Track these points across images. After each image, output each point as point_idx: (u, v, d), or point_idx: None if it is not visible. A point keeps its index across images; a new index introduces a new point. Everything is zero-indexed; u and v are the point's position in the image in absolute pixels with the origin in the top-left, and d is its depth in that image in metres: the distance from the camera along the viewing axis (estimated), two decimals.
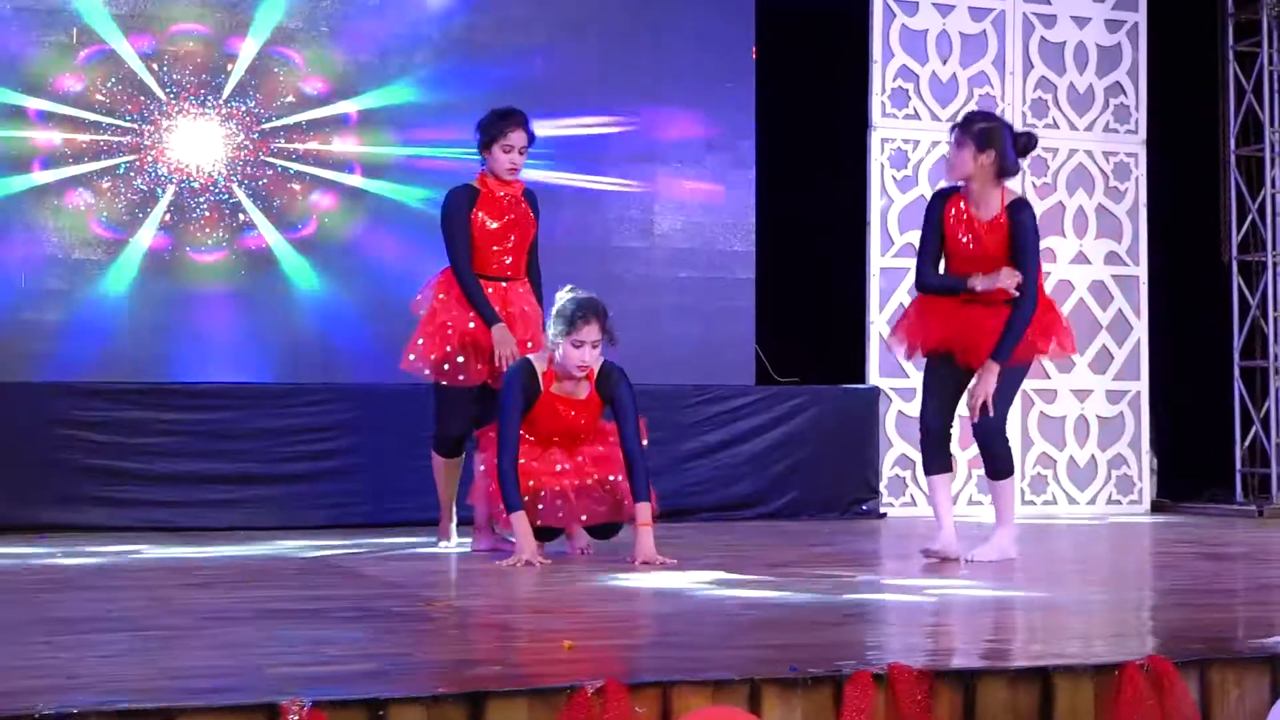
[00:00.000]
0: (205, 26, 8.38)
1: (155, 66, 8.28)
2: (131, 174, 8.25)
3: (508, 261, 6.78)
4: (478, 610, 4.73)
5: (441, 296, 6.77)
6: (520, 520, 6.11)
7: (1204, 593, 5.35)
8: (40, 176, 8.11)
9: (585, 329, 6.19)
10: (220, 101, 8.38)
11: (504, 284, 6.78)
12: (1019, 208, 6.37)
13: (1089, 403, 9.57)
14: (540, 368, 6.30)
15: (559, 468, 6.32)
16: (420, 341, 6.75)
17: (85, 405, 7.76)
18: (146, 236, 8.28)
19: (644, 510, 6.14)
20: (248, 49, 8.42)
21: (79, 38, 8.17)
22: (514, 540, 6.14)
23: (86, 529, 7.57)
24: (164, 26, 8.30)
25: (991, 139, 6.28)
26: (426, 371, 6.76)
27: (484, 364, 6.69)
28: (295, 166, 8.50)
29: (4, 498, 7.52)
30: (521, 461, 6.21)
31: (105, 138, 8.20)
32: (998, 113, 9.31)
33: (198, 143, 8.35)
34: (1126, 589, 5.68)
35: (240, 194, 8.42)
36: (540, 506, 6.24)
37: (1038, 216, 9.13)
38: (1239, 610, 4.85)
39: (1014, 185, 9.02)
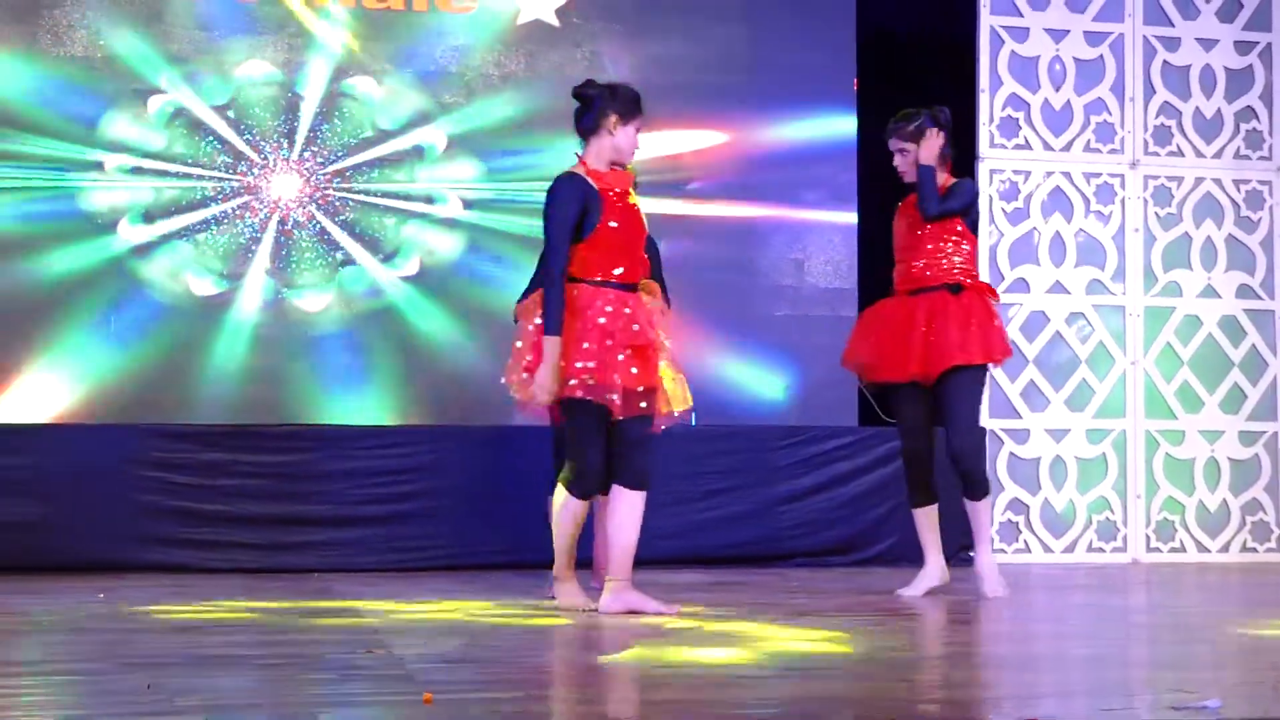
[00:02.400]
0: (275, 68, 8.42)
1: (231, 114, 8.35)
2: (223, 221, 8.33)
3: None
4: (410, 660, 4.57)
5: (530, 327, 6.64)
6: (553, 346, 5.68)
7: (1189, 647, 4.96)
8: (128, 229, 8.22)
9: (640, 119, 5.93)
10: (299, 143, 8.42)
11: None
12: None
13: (1220, 445, 9.05)
14: (582, 173, 5.88)
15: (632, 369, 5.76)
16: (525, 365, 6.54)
17: (170, 448, 7.83)
18: (239, 280, 8.36)
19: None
20: (320, 86, 8.45)
21: (155, 90, 8.28)
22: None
23: (170, 569, 7.62)
24: (233, 72, 8.37)
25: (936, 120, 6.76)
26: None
27: None
28: (383, 201, 8.49)
29: (93, 537, 7.64)
30: (610, 340, 5.72)
31: (191, 185, 8.28)
32: (1117, 138, 8.95)
33: (283, 185, 8.39)
34: (1107, 643, 5.28)
35: (334, 231, 8.43)
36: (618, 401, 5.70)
37: (1161, 248, 8.83)
38: (1209, 671, 4.46)
39: (1134, 210, 8.62)
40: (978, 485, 6.76)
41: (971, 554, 8.48)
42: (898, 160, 6.81)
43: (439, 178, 8.59)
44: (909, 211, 6.83)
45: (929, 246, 6.65)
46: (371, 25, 8.54)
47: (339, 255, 8.46)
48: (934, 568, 6.90)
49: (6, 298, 8.13)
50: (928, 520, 6.91)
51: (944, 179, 6.75)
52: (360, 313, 8.50)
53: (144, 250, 8.26)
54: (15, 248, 8.12)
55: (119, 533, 7.68)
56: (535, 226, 8.44)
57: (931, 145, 6.66)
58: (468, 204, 8.60)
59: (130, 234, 8.24)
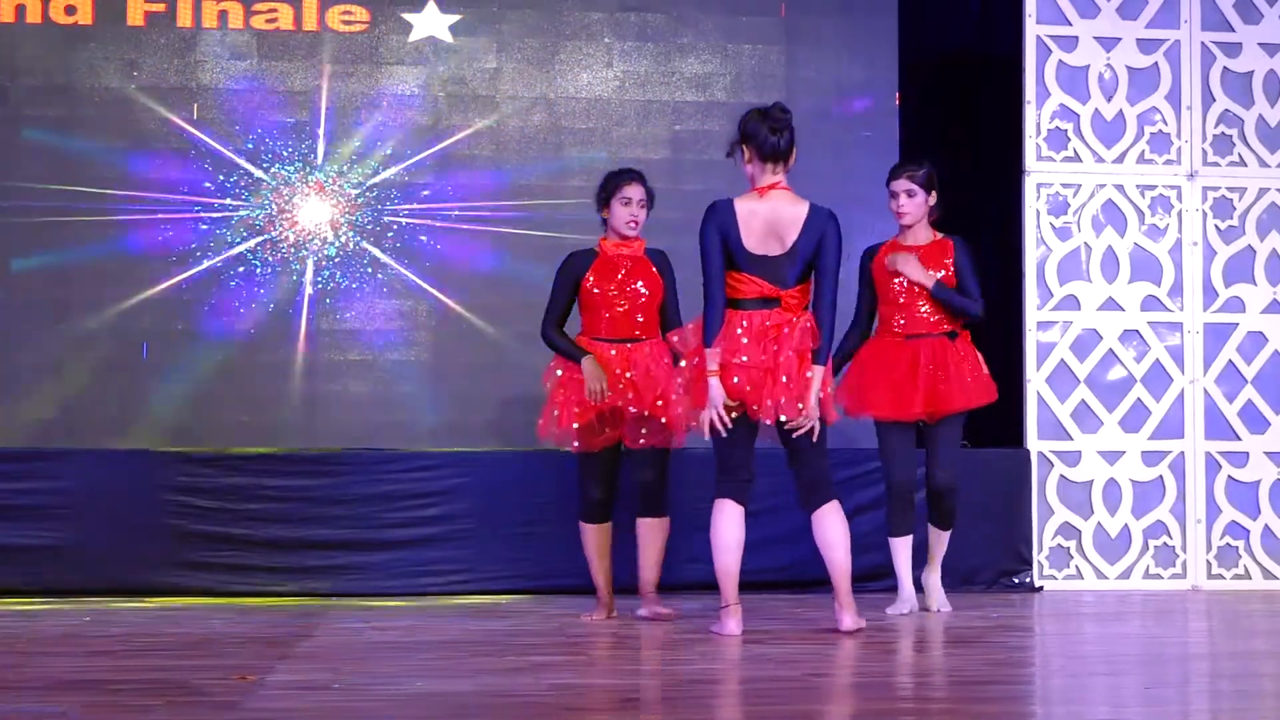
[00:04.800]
0: (284, 95, 8.51)
1: (248, 145, 8.46)
2: (263, 252, 8.45)
3: (638, 320, 6.74)
4: (267, 687, 4.56)
5: (559, 373, 6.76)
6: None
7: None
8: (172, 265, 8.39)
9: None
10: (318, 165, 8.50)
11: (628, 345, 6.72)
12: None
13: None
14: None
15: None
16: (556, 412, 6.74)
17: (194, 472, 7.95)
18: (283, 309, 8.48)
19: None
20: (331, 109, 8.53)
21: (184, 127, 8.43)
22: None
23: (193, 593, 7.73)
24: (245, 103, 8.49)
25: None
26: (576, 443, 6.71)
27: (614, 428, 6.70)
28: (408, 220, 8.54)
29: (117, 562, 7.76)
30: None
31: (227, 215, 8.42)
32: (1173, 148, 8.66)
33: (315, 211, 8.49)
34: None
35: (374, 252, 8.51)
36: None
37: (1223, 262, 8.48)
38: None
39: (1193, 223, 8.33)
40: (951, 516, 7.17)
41: (1014, 580, 8.32)
42: (903, 201, 7.14)
43: (468, 192, 8.62)
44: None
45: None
46: (378, 46, 8.61)
47: (380, 276, 8.52)
48: (908, 594, 7.12)
49: (57, 336, 8.34)
50: (905, 549, 7.11)
51: (931, 235, 7.18)
52: (407, 333, 8.56)
53: (188, 286, 8.40)
54: (63, 285, 8.33)
55: (143, 557, 7.79)
56: (567, 239, 8.47)
57: (912, 267, 7.03)
58: (503, 218, 8.61)
59: (174, 270, 8.39)
